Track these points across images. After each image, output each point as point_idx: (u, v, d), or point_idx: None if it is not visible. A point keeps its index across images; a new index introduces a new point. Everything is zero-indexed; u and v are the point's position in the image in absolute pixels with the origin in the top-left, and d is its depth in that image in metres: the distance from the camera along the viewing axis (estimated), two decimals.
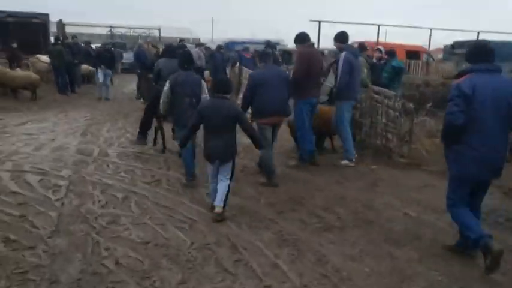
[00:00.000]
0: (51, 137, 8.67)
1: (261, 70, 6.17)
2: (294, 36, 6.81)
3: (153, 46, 21.71)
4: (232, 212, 4.96)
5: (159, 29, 37.62)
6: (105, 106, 13.01)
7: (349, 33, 6.98)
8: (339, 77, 6.81)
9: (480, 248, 3.73)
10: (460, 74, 3.92)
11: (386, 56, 9.82)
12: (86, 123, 10.37)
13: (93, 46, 29.52)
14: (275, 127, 6.16)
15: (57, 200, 5.20)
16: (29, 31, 20.19)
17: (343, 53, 6.79)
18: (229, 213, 4.88)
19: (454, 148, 3.85)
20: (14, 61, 14.12)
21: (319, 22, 20.18)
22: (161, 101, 5.86)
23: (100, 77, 14.36)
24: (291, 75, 6.66)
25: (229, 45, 26.92)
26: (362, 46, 9.30)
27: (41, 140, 8.29)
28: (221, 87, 4.87)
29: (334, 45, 7.08)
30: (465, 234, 3.92)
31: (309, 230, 4.62)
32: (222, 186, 4.74)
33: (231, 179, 4.90)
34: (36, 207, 4.94)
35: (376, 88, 7.86)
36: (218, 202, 4.73)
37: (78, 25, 36.41)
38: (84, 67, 18.05)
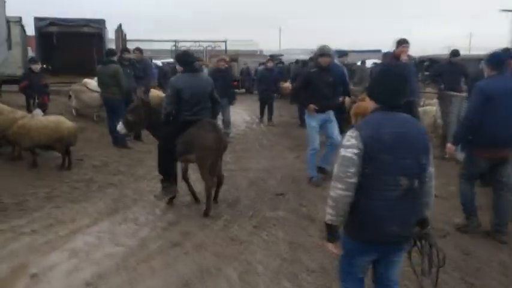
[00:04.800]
0: None
1: (492, 80, 4.39)
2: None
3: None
4: None
5: (225, 42, 36.13)
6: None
7: None
8: None
9: None
10: None
11: None
12: None
13: (158, 62, 24.48)
14: (500, 164, 4.43)
15: None
16: (78, 44, 14.45)
17: None
18: None
19: None
20: (33, 95, 7.90)
21: None
22: None
23: None
24: None
25: None
26: None
27: None
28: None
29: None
30: None
31: None
32: None
33: None
34: None
35: None
36: None
37: (140, 41, 32.43)
38: (155, 94, 11.75)
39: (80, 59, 14.43)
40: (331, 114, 6.40)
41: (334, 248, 2.58)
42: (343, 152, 2.43)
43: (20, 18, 13.52)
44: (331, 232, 2.53)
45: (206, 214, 5.21)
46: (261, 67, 18.13)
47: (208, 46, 40.04)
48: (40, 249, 4.30)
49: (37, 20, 14.24)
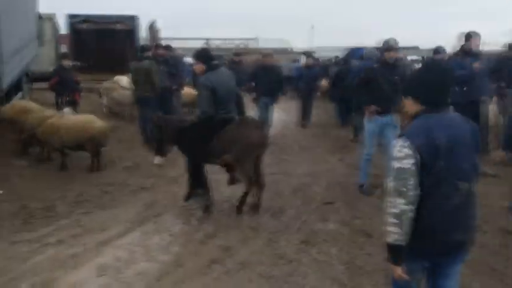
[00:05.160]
0: None
1: None
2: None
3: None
4: None
5: (256, 40, 35.90)
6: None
7: None
8: None
9: None
10: None
11: None
12: None
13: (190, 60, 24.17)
14: None
15: None
16: (110, 41, 14.21)
17: None
18: None
19: None
20: (63, 93, 7.52)
21: None
22: None
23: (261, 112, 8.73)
24: None
25: (355, 53, 20.96)
26: None
27: None
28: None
29: None
30: None
31: None
32: None
33: None
34: None
35: None
36: None
37: (171, 39, 32.67)
38: (188, 92, 11.29)
39: (113, 56, 14.15)
40: (393, 118, 5.59)
41: (402, 273, 2.26)
42: (398, 163, 2.20)
43: (53, 15, 13.37)
44: (397, 254, 2.25)
45: (239, 209, 4.98)
46: (296, 64, 17.42)
47: (240, 44, 40.02)
48: (65, 263, 3.85)
49: (70, 17, 14.05)
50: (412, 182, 2.16)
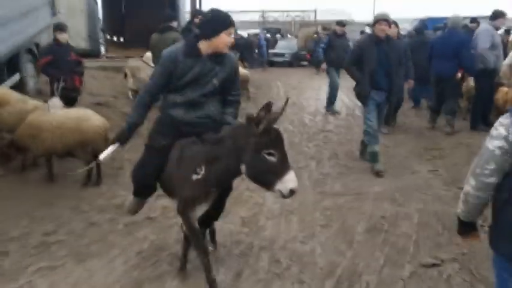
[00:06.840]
0: None
1: None
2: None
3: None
4: None
5: (315, 12, 35.75)
6: None
7: None
8: None
9: None
10: None
11: None
12: None
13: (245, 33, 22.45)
14: None
15: None
16: (148, 11, 12.45)
17: None
18: None
19: None
20: (57, 77, 5.63)
21: None
22: None
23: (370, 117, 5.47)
24: None
25: (428, 24, 18.20)
26: None
27: None
28: None
29: None
30: None
31: None
32: None
33: None
34: None
35: None
36: None
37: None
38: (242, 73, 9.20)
39: (151, 28, 12.41)
40: None
41: (464, 240, 2.17)
42: (487, 142, 1.87)
43: None
44: (464, 228, 2.08)
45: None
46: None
47: (297, 16, 38.27)
48: None
49: None
50: (489, 167, 1.82)
